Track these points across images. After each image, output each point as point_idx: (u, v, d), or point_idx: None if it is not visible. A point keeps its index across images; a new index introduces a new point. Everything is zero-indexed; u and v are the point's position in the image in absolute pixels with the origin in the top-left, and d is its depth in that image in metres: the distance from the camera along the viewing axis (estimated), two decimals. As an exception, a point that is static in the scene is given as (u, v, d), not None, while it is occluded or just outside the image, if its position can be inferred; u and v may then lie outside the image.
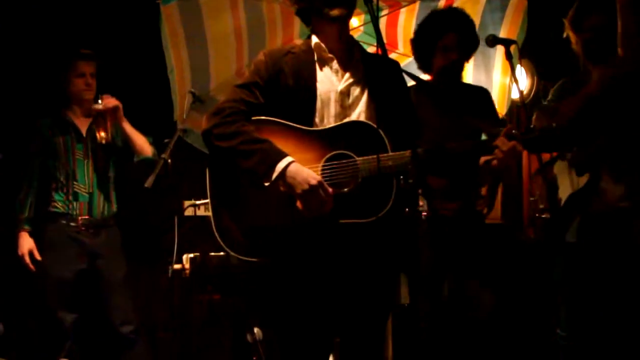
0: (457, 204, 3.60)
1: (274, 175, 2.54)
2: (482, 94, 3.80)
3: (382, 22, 4.82)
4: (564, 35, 3.45)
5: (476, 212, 3.70)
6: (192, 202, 4.95)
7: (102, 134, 4.25)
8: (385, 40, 4.84)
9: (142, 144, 4.30)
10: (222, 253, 4.65)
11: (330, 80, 2.71)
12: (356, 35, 4.56)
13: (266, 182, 2.55)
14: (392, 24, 4.80)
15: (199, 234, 4.54)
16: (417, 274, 3.14)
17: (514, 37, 4.19)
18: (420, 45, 3.78)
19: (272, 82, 2.69)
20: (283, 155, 2.56)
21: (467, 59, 3.76)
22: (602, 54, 3.28)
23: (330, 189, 2.55)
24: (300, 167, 2.55)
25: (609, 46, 3.18)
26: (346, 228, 2.58)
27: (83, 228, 4.25)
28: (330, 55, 2.74)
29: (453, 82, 3.76)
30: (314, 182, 2.52)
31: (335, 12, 2.67)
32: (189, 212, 4.93)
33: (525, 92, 5.68)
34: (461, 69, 3.75)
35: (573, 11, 3.40)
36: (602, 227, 3.24)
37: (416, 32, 3.83)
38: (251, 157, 2.56)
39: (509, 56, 3.19)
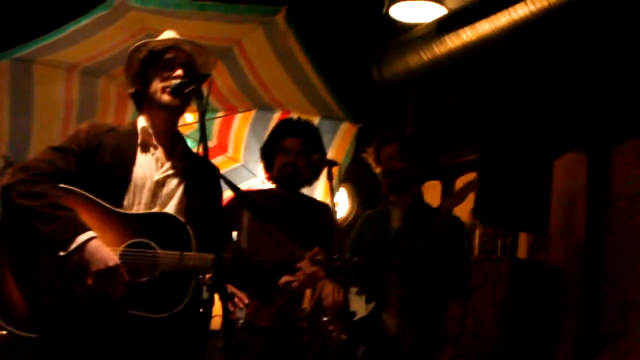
0: (273, 316, 3.56)
1: (72, 246, 2.40)
2: (320, 210, 3.75)
3: (216, 124, 4.87)
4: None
5: (293, 326, 3.65)
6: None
7: None
8: (216, 142, 4.90)
9: None
10: None
11: (149, 167, 2.66)
12: (188, 131, 4.56)
13: (62, 251, 2.41)
14: (226, 127, 4.84)
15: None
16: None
17: (340, 160, 4.32)
18: (266, 149, 3.81)
19: (89, 154, 2.59)
20: (87, 228, 2.44)
21: (309, 166, 3.71)
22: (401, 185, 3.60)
23: (126, 276, 2.44)
24: (102, 246, 2.43)
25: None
26: (134, 320, 2.46)
27: None
28: (154, 142, 2.70)
29: (291, 188, 3.75)
30: (111, 263, 2.41)
31: (166, 99, 2.66)
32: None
33: (344, 215, 5.87)
34: (300, 174, 3.71)
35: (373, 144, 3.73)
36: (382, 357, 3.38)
37: (265, 141, 3.87)
38: (52, 221, 2.42)
39: (329, 177, 3.27)
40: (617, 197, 4.50)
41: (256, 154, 4.56)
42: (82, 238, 2.42)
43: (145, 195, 2.62)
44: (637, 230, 4.36)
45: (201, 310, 2.55)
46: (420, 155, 3.71)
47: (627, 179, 4.48)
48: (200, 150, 2.46)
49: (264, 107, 4.65)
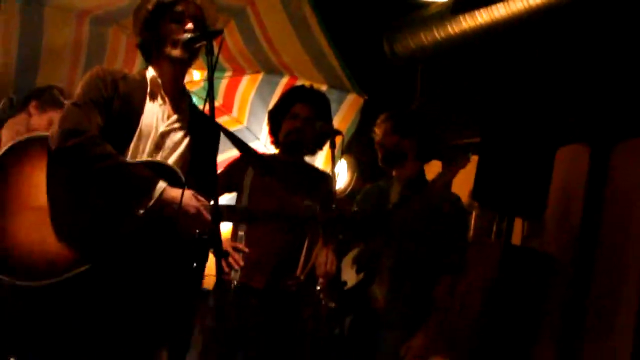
0: (266, 278, 3.58)
1: (153, 199, 2.48)
2: (321, 179, 3.75)
3: (223, 84, 4.85)
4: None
5: (285, 289, 3.67)
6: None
7: None
8: (221, 102, 4.89)
9: None
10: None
11: (155, 117, 2.65)
12: (194, 88, 4.55)
13: (144, 205, 2.48)
14: (232, 88, 4.83)
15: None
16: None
17: (343, 130, 4.31)
18: (274, 112, 3.81)
19: (109, 101, 2.58)
20: (157, 180, 2.51)
21: (314, 135, 3.69)
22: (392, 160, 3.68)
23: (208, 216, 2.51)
24: (177, 191, 2.50)
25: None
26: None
27: None
28: (162, 93, 2.69)
29: (295, 155, 3.75)
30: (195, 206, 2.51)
31: (176, 53, 2.65)
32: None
33: (343, 186, 5.87)
34: (306, 140, 3.70)
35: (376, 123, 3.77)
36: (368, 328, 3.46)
37: (275, 104, 3.86)
38: (128, 181, 2.49)
39: (332, 145, 3.27)
40: (615, 192, 4.52)
41: (260, 117, 4.57)
42: (158, 190, 2.47)
43: (149, 145, 2.62)
44: (631, 226, 4.38)
45: (194, 265, 2.56)
46: (415, 131, 3.71)
47: (626, 175, 4.49)
48: (207, 108, 2.46)
49: (272, 71, 4.64)
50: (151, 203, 2.47)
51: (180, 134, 2.68)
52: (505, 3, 4.45)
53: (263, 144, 4.67)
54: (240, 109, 4.85)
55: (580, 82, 4.67)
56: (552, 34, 4.59)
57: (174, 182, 2.53)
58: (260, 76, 4.70)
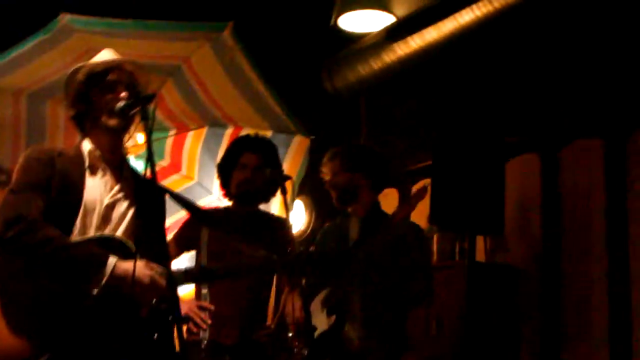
0: (236, 332, 3.53)
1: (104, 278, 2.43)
2: (277, 225, 3.72)
3: (169, 143, 4.81)
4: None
5: (257, 343, 3.62)
6: None
7: None
8: (169, 161, 4.85)
9: None
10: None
11: (98, 191, 2.62)
12: (140, 152, 4.50)
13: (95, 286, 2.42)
14: (178, 146, 4.79)
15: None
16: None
17: (294, 174, 4.30)
18: (223, 165, 3.80)
19: (47, 182, 2.54)
20: (107, 256, 2.46)
21: (266, 183, 3.66)
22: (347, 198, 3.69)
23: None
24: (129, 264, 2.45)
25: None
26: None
27: None
28: (103, 164, 2.66)
29: (248, 205, 3.72)
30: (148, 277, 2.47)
31: (112, 122, 2.63)
32: None
33: (303, 227, 5.86)
34: (257, 190, 3.69)
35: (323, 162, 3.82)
36: None
37: (222, 157, 3.85)
38: (75, 263, 2.45)
39: (283, 191, 3.25)
40: (569, 195, 4.57)
41: (210, 171, 4.53)
42: (109, 267, 2.42)
43: (95, 219, 2.58)
44: (590, 226, 4.42)
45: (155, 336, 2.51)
46: (366, 165, 3.72)
47: (576, 177, 4.54)
48: (148, 172, 2.43)
49: (216, 124, 4.61)
50: (104, 281, 2.41)
51: (125, 203, 2.65)
52: (435, 26, 4.51)
53: (217, 197, 4.63)
54: (189, 165, 4.81)
55: (518, 91, 4.75)
56: (483, 47, 4.65)
57: (125, 253, 2.49)
58: (204, 130, 4.67)
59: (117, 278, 2.43)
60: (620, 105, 4.36)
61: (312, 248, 3.84)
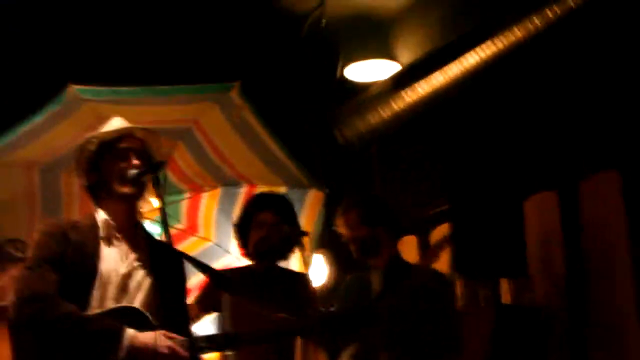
0: None
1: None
2: (298, 281, 3.69)
3: (184, 206, 4.81)
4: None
5: None
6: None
7: None
8: (186, 224, 4.84)
9: None
10: None
11: (114, 261, 2.60)
12: (155, 216, 4.49)
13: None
14: (194, 208, 4.79)
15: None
16: None
17: (310, 228, 4.27)
18: (240, 225, 3.78)
19: (61, 256, 2.53)
20: (122, 328, 2.43)
21: (283, 241, 3.66)
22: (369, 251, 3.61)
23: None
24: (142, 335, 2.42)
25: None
26: None
27: None
28: (119, 234, 2.64)
29: (268, 262, 3.70)
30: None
31: (126, 190, 2.63)
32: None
33: (325, 281, 5.81)
34: (275, 247, 3.66)
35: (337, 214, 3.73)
36: None
37: (238, 216, 3.83)
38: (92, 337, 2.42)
39: (301, 247, 3.23)
40: (590, 228, 4.50)
41: (227, 231, 4.51)
42: (126, 340, 2.39)
43: (112, 289, 2.56)
44: (614, 258, 4.35)
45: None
46: (383, 218, 3.69)
47: (597, 210, 4.49)
48: (164, 237, 2.42)
49: (230, 183, 4.62)
50: (122, 355, 2.38)
51: (142, 272, 2.63)
52: (442, 71, 4.52)
53: (235, 257, 4.60)
54: (205, 227, 4.80)
55: (531, 130, 4.73)
56: (491, 88, 4.66)
57: (144, 324, 2.45)
58: (219, 190, 4.67)
59: (136, 350, 2.39)
60: (634, 137, 4.33)
61: (333, 307, 3.77)
